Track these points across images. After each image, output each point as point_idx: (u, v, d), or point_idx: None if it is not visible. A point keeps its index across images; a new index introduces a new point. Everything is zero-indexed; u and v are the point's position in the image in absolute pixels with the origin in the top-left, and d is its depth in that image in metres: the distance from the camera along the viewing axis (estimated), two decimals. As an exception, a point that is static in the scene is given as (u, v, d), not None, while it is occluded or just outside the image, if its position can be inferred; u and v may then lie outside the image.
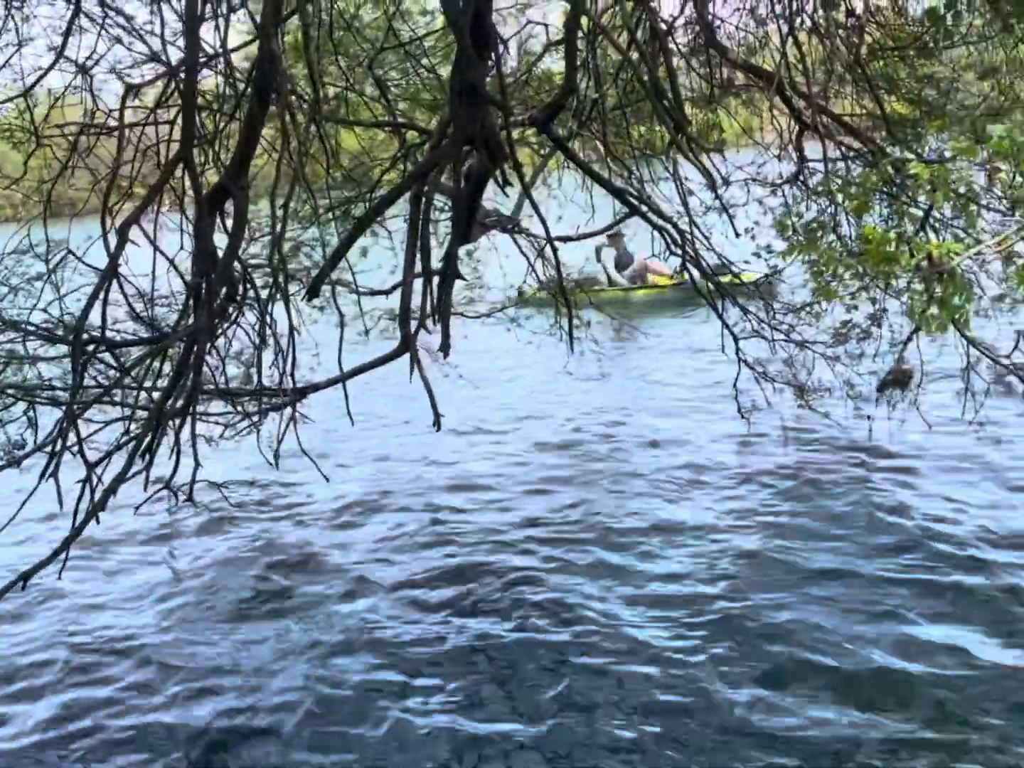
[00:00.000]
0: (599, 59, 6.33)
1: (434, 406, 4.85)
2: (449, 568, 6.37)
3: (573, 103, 6.08)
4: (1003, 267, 5.16)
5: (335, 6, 5.28)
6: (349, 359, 5.28)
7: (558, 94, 5.36)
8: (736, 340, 7.00)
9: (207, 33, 4.08)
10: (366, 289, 6.62)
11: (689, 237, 6.37)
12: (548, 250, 6.33)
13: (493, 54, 4.85)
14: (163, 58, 4.33)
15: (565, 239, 6.92)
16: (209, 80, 4.75)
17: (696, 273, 6.63)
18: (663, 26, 6.03)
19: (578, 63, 5.69)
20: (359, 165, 7.12)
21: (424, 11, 7.29)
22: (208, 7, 3.77)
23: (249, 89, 4.19)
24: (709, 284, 6.73)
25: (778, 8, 6.09)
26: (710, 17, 6.29)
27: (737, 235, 5.62)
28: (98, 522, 3.69)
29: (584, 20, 5.54)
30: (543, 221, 5.37)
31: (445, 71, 6.37)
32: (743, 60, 6.29)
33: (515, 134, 6.63)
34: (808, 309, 6.71)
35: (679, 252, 6.38)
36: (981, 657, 4.73)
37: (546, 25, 6.60)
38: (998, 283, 5.71)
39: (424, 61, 6.58)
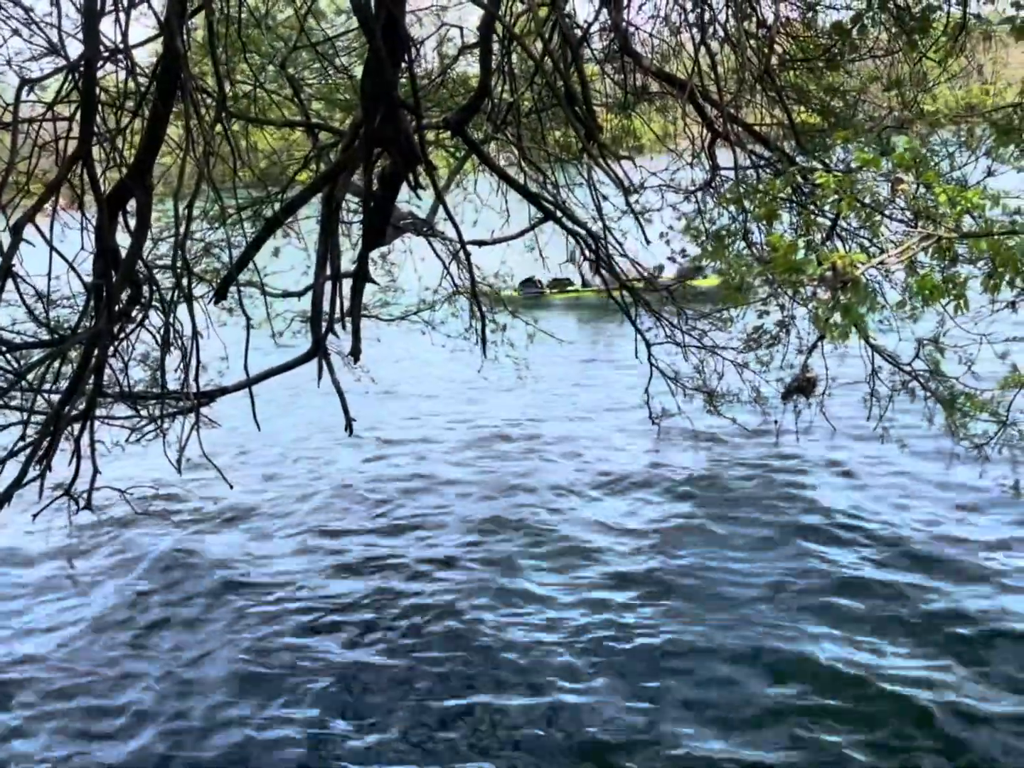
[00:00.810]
0: (514, 63, 6.33)
1: (346, 410, 4.79)
2: (347, 567, 6.33)
3: (488, 107, 6.06)
4: (906, 276, 5.28)
5: (245, 3, 5.17)
6: (264, 362, 5.20)
7: (472, 97, 5.33)
8: (648, 345, 7.05)
9: (110, 28, 3.96)
10: (278, 291, 6.52)
11: (603, 242, 6.41)
12: (463, 254, 6.30)
13: (406, 56, 4.80)
14: (63, 52, 4.18)
15: (480, 243, 6.90)
16: (113, 76, 4.60)
17: (609, 277, 6.67)
18: (578, 32, 6.04)
19: (493, 67, 5.68)
20: (272, 165, 7.00)
21: (339, 11, 7.19)
22: (108, 0, 3.65)
23: (153, 86, 4.08)
24: (622, 291, 6.78)
25: (691, 17, 6.15)
26: (624, 24, 6.32)
27: (648, 241, 5.66)
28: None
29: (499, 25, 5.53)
30: (455, 225, 5.34)
31: (360, 71, 6.29)
32: (657, 68, 6.32)
33: (430, 136, 6.59)
34: (718, 315, 6.79)
35: (592, 257, 6.41)
36: (880, 654, 4.86)
37: (461, 28, 6.56)
38: (901, 292, 5.85)
39: (338, 61, 6.49)
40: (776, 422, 7.43)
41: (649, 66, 6.16)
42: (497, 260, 7.43)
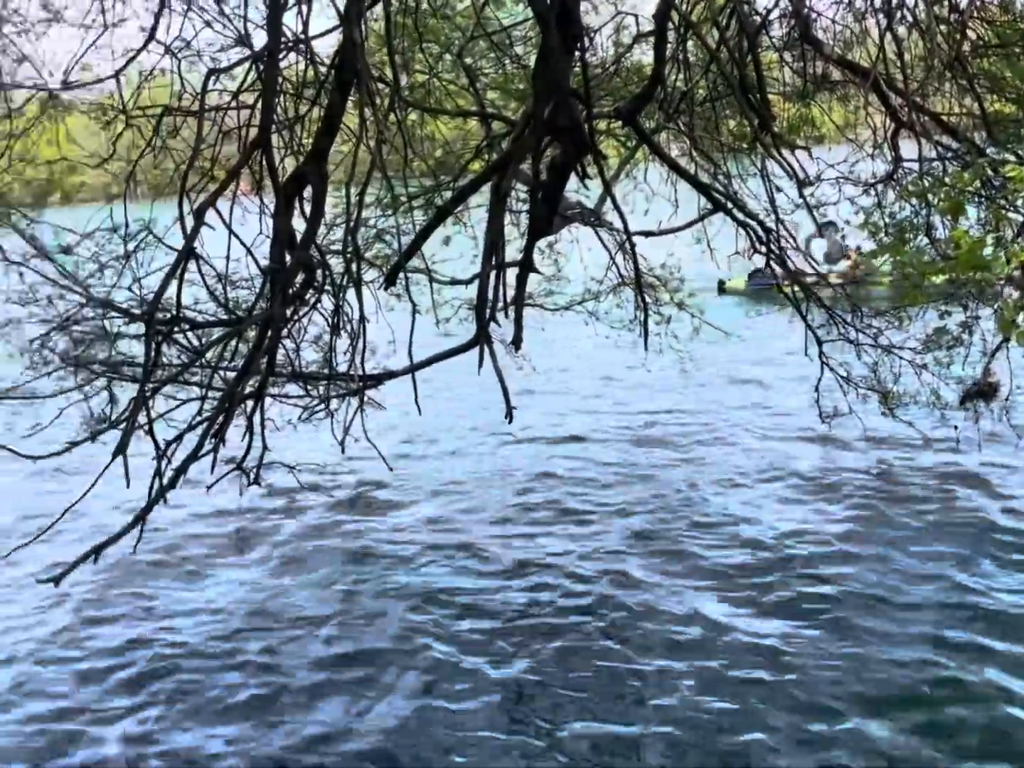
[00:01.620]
0: (689, 52, 6.21)
1: (507, 398, 4.81)
2: (497, 555, 6.37)
3: (661, 95, 5.98)
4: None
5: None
6: (431, 347, 5.29)
7: (645, 86, 5.27)
8: (820, 343, 6.81)
9: (293, 19, 4.09)
10: (445, 278, 6.62)
11: (775, 235, 6.23)
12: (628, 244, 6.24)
13: (579, 45, 4.78)
14: (248, 42, 4.34)
15: (646, 234, 6.81)
16: (294, 66, 4.76)
17: (780, 272, 6.48)
18: (757, 19, 5.89)
19: (668, 55, 5.60)
20: (445, 155, 7.11)
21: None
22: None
23: (331, 76, 4.19)
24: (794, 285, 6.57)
25: (877, 2, 5.89)
26: (806, 10, 6.11)
27: (821, 235, 5.46)
28: (166, 501, 3.75)
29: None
30: (622, 215, 5.28)
31: (534, 61, 6.32)
32: (839, 55, 6.09)
33: (601, 126, 6.55)
34: (895, 313, 6.49)
35: (763, 250, 6.24)
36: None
37: (637, 16, 6.48)
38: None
39: (513, 51, 6.53)
40: (956, 428, 7.06)
41: (831, 53, 5.94)
42: (664, 251, 7.33)
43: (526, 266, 5.23)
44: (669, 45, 5.60)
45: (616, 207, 5.25)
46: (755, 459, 8.06)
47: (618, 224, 6.44)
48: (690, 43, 6.13)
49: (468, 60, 6.43)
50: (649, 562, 6.12)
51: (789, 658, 4.94)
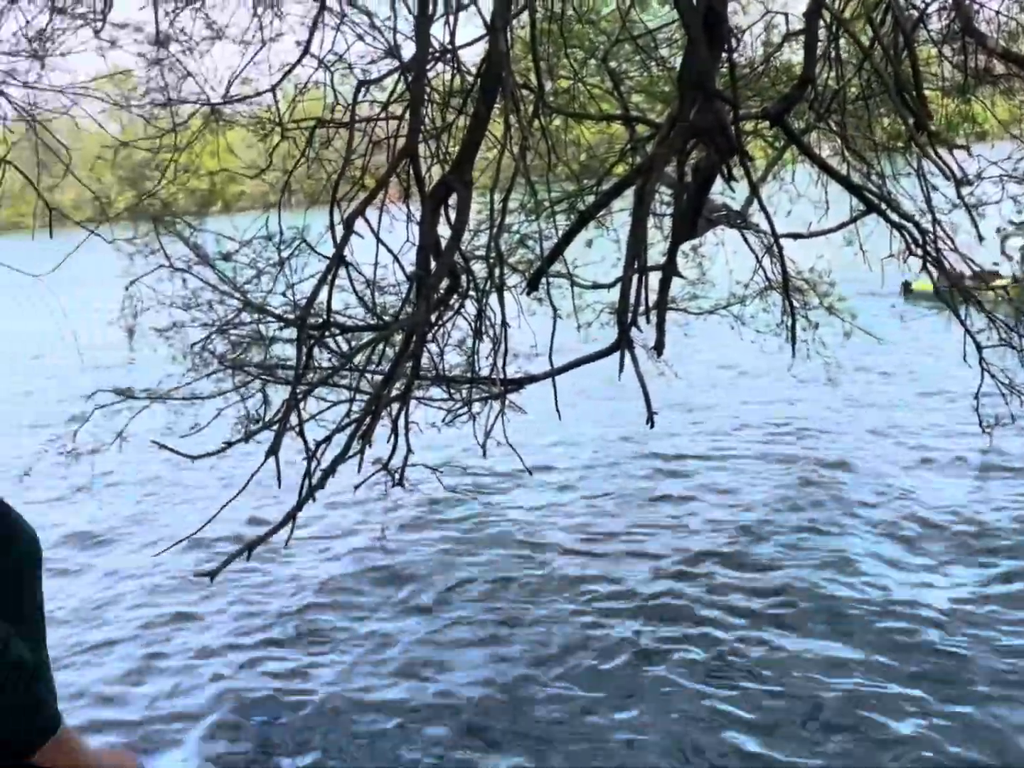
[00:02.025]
0: (841, 49, 6.05)
1: (648, 403, 4.79)
2: (673, 562, 6.30)
3: (811, 95, 5.84)
4: None
5: (570, 0, 5.28)
6: (572, 352, 5.31)
7: (795, 86, 5.16)
8: (980, 348, 6.52)
9: (441, 30, 4.18)
10: (587, 282, 6.63)
11: (931, 237, 6.00)
12: (776, 247, 6.12)
13: (726, 46, 4.73)
14: (397, 54, 4.47)
15: (795, 236, 6.67)
16: (442, 75, 4.87)
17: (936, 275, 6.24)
18: (913, 13, 5.69)
19: (819, 54, 5.47)
20: (589, 159, 7.13)
21: (663, 1, 7.20)
22: (440, 5, 3.85)
23: (477, 84, 4.26)
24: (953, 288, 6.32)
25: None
26: (968, 2, 5.87)
27: (981, 238, 5.23)
28: (314, 500, 3.87)
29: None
30: (769, 218, 5.19)
31: (679, 62, 6.29)
32: (1003, 48, 5.83)
33: (747, 127, 6.44)
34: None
35: (919, 252, 6.02)
36: None
37: (787, 15, 6.36)
38: None
39: (658, 53, 6.50)
40: None
41: (994, 46, 5.69)
42: (813, 254, 7.15)
43: (670, 270, 5.19)
44: (820, 43, 5.48)
45: (763, 209, 5.16)
46: (909, 468, 7.76)
47: (765, 226, 6.32)
48: (842, 40, 5.97)
49: (612, 64, 6.44)
50: (806, 581, 5.96)
51: None
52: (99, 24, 4.66)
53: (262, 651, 5.42)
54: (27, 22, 4.65)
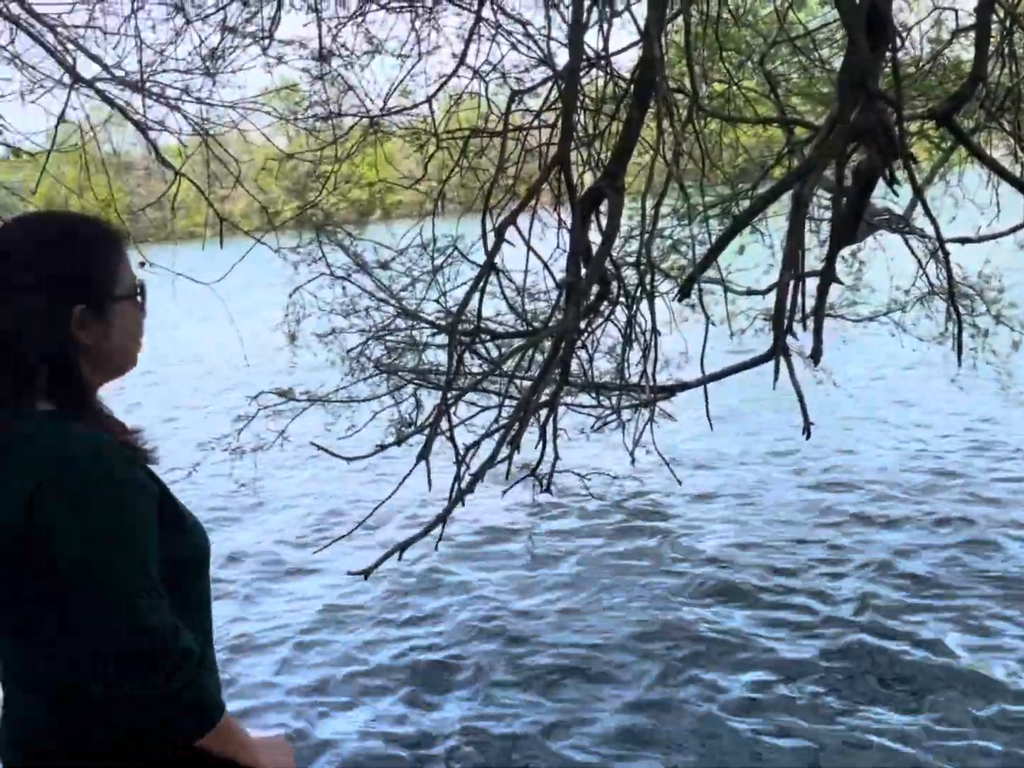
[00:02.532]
0: (1016, 45, 5.76)
1: (804, 413, 4.66)
2: (824, 567, 6.13)
3: (982, 93, 5.58)
4: None
5: (725, 3, 5.20)
6: (724, 359, 5.23)
7: (965, 84, 4.94)
8: None
9: (594, 37, 4.19)
10: (740, 288, 6.51)
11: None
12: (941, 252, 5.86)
13: (890, 45, 4.56)
14: (550, 62, 4.50)
15: (963, 240, 6.37)
16: (595, 82, 4.87)
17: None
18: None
19: (991, 50, 5.22)
20: (746, 162, 7.00)
21: (823, 1, 7.01)
22: (594, 12, 3.86)
23: (630, 90, 4.25)
24: None
25: None
26: None
27: None
28: (463, 504, 3.93)
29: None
30: (934, 221, 4.97)
31: (839, 63, 6.10)
32: None
33: (912, 128, 6.20)
34: None
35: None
36: None
37: (956, 11, 6.08)
38: None
39: (816, 54, 6.32)
40: None
41: None
42: (981, 259, 6.82)
43: (828, 276, 5.04)
44: (992, 39, 5.22)
45: (928, 213, 4.95)
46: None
47: (929, 231, 6.07)
48: (1016, 35, 5.68)
49: (769, 66, 6.30)
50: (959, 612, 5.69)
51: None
52: (267, 41, 4.87)
53: (406, 644, 5.54)
54: (201, 42, 4.90)
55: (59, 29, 5.04)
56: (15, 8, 4.87)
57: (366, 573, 3.77)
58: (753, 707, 4.62)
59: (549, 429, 4.50)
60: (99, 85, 5.12)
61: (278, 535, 7.82)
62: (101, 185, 6.27)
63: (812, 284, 5.12)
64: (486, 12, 4.43)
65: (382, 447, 4.22)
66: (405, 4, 4.68)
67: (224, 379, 15.40)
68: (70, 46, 5.06)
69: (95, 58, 5.03)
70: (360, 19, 4.77)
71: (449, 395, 3.86)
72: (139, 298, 1.84)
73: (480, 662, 5.27)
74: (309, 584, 6.63)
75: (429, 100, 4.95)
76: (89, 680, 1.59)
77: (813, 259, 5.81)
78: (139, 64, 4.88)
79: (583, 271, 4.24)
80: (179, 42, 4.85)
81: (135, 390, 13.79)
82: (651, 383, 4.63)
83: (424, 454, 3.54)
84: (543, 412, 4.59)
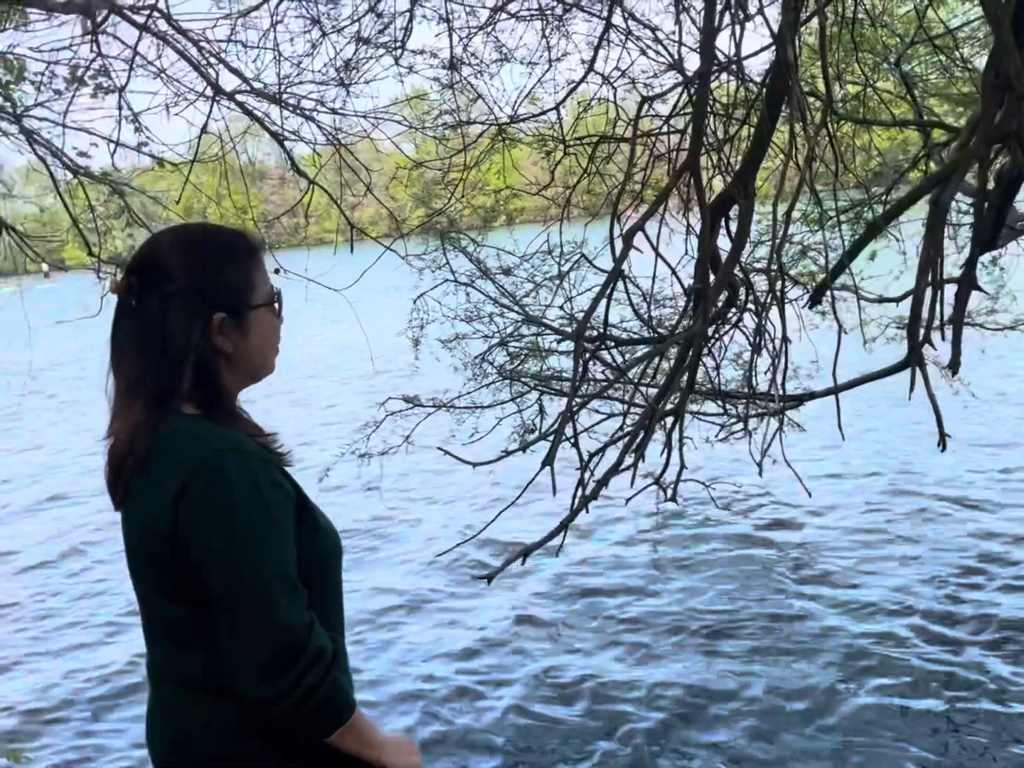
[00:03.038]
0: None
1: (940, 426, 4.51)
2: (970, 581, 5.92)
3: None
4: None
5: (861, 3, 5.06)
6: (856, 368, 5.09)
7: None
8: None
9: (724, 41, 4.13)
10: (872, 295, 6.31)
11: None
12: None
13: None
14: (680, 67, 4.45)
15: (1114, 246, 6.05)
16: (725, 86, 4.81)
17: None
18: None
19: None
20: (879, 167, 6.80)
21: (964, -1, 6.76)
22: (726, 16, 3.80)
23: (762, 94, 4.18)
24: None
25: None
26: None
27: None
28: (587, 511, 3.92)
29: None
30: (1084, 227, 4.74)
31: (982, 63, 5.88)
32: None
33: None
34: None
35: None
36: None
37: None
38: None
39: (957, 52, 6.11)
40: None
41: None
42: None
43: (967, 283, 4.86)
44: None
45: (1078, 218, 4.72)
46: None
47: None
48: None
49: (906, 67, 6.11)
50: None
51: None
52: (399, 52, 4.96)
53: (518, 646, 5.56)
54: (336, 54, 5.02)
55: (202, 44, 5.24)
56: (163, 24, 5.08)
57: (490, 577, 3.79)
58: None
59: (675, 437, 4.45)
60: (239, 97, 5.30)
61: (403, 538, 7.95)
62: (238, 193, 6.49)
63: (950, 292, 4.94)
64: (616, 18, 4.42)
65: (507, 453, 4.24)
66: (535, 12, 4.71)
67: (350, 381, 15.75)
68: (213, 60, 5.25)
69: (236, 71, 5.21)
70: (490, 29, 4.82)
71: (574, 402, 3.85)
72: (276, 306, 1.90)
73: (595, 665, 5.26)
74: (429, 583, 6.72)
75: (557, 107, 4.96)
76: (231, 678, 1.64)
77: (950, 265, 5.60)
78: (277, 76, 5.04)
79: (711, 277, 4.19)
80: (315, 54, 4.99)
81: (262, 392, 14.21)
82: (780, 392, 4.53)
83: (549, 461, 3.55)
84: (668, 420, 4.54)
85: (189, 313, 1.76)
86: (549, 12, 4.67)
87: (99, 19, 5.11)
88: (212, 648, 1.66)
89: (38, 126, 6.50)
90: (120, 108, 5.46)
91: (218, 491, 1.66)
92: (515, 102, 5.12)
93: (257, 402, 2.14)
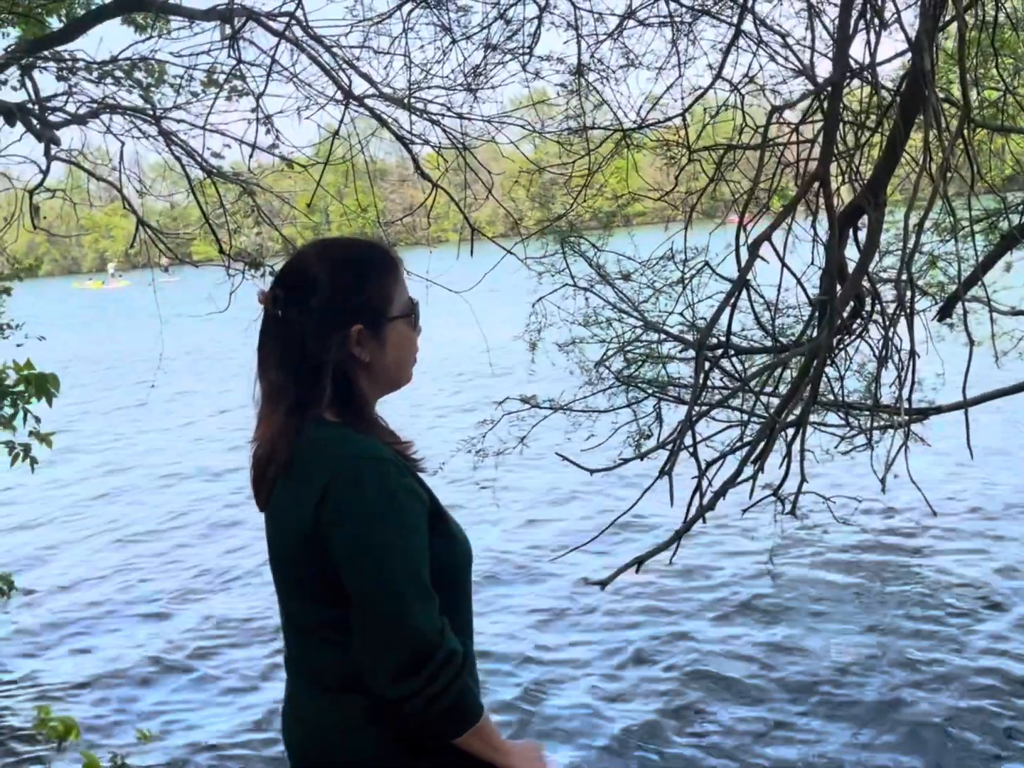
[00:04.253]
0: None
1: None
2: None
3: None
4: None
5: (1002, 6, 4.89)
6: (986, 383, 4.95)
7: None
8: None
9: (858, 47, 4.05)
10: (1005, 307, 6.10)
11: None
12: None
13: None
14: (811, 74, 4.37)
15: None
16: (855, 94, 4.71)
17: None
18: None
19: None
20: (1019, 174, 6.55)
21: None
22: (861, 22, 3.73)
23: (896, 102, 4.08)
24: None
25: None
26: None
27: None
28: (704, 521, 3.89)
29: None
30: None
31: None
32: None
33: None
34: None
35: None
36: None
37: None
38: None
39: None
40: None
41: None
42: None
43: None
44: None
45: None
46: None
47: None
48: None
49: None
50: None
51: None
52: (526, 58, 5.01)
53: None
54: (464, 59, 5.10)
55: (335, 50, 5.37)
56: (298, 31, 5.23)
57: (603, 583, 3.81)
58: None
59: (795, 448, 4.38)
60: (368, 102, 5.43)
61: (514, 539, 8.02)
62: (360, 192, 6.63)
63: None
64: (746, 24, 4.37)
65: (625, 460, 4.24)
66: (664, 18, 4.69)
67: (467, 382, 15.92)
68: (344, 65, 5.39)
69: (366, 77, 5.33)
70: (618, 35, 4.82)
71: (694, 410, 3.83)
72: (412, 317, 1.96)
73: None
74: (539, 589, 6.77)
75: (683, 113, 4.93)
76: (366, 678, 1.70)
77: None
78: (408, 82, 5.14)
79: (838, 288, 4.11)
80: (445, 60, 5.07)
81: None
82: (906, 405, 4.42)
83: (667, 470, 3.54)
84: (789, 431, 4.48)
85: (330, 325, 1.83)
86: (678, 19, 4.65)
87: (237, 26, 5.28)
88: (349, 648, 1.72)
89: (176, 128, 6.77)
90: (255, 111, 5.65)
91: (356, 497, 1.72)
92: (639, 108, 5.12)
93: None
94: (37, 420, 4.17)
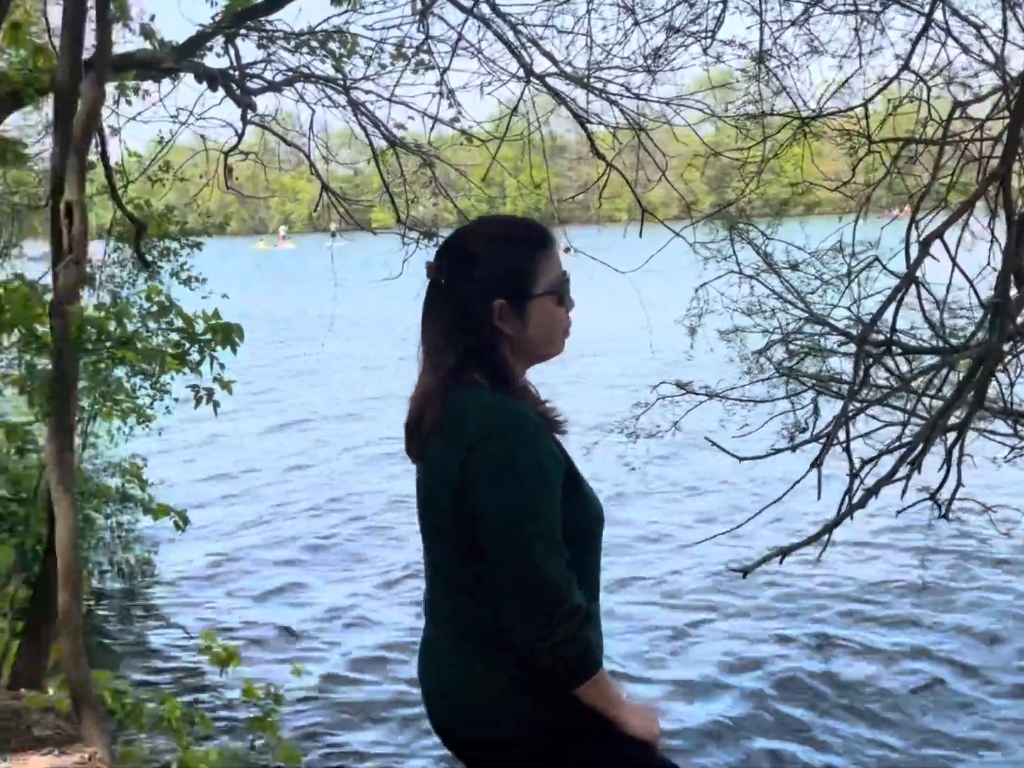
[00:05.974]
0: None
1: None
2: None
3: None
4: None
5: None
6: None
7: None
8: None
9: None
10: None
11: None
12: None
13: None
14: (1003, 68, 4.20)
15: None
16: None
17: None
18: None
19: None
20: None
21: None
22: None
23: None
24: None
25: None
26: None
27: None
28: (852, 518, 3.85)
29: None
30: None
31: None
32: None
33: None
34: None
35: None
36: None
37: None
38: None
39: None
40: None
41: None
42: None
43: None
44: None
45: None
46: None
47: None
48: None
49: None
50: None
51: None
52: (708, 41, 4.99)
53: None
54: (645, 41, 5.12)
55: (520, 28, 5.49)
56: (485, 9, 5.37)
57: (745, 572, 3.82)
58: None
59: (955, 453, 4.27)
60: (549, 80, 5.53)
61: (657, 520, 8.05)
62: (536, 167, 6.73)
63: None
64: (937, 14, 4.23)
65: (777, 451, 4.23)
66: (851, 7, 4.59)
67: (624, 363, 15.92)
68: (528, 43, 5.49)
69: (548, 55, 5.43)
70: (803, 21, 4.74)
71: (851, 406, 3.79)
72: (560, 295, 2.05)
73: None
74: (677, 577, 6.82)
75: (866, 104, 4.82)
76: (496, 627, 1.83)
77: None
78: (587, 62, 5.21)
79: (1013, 291, 3.97)
80: (626, 42, 5.10)
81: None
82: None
83: (818, 462, 3.53)
84: (951, 435, 4.36)
85: (480, 298, 1.98)
86: (866, 7, 4.54)
87: (429, 2, 5.46)
88: (482, 600, 1.85)
89: (363, 98, 7.03)
90: (439, 84, 5.82)
91: (499, 456, 1.85)
92: (820, 96, 5.03)
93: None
94: (222, 366, 4.47)
